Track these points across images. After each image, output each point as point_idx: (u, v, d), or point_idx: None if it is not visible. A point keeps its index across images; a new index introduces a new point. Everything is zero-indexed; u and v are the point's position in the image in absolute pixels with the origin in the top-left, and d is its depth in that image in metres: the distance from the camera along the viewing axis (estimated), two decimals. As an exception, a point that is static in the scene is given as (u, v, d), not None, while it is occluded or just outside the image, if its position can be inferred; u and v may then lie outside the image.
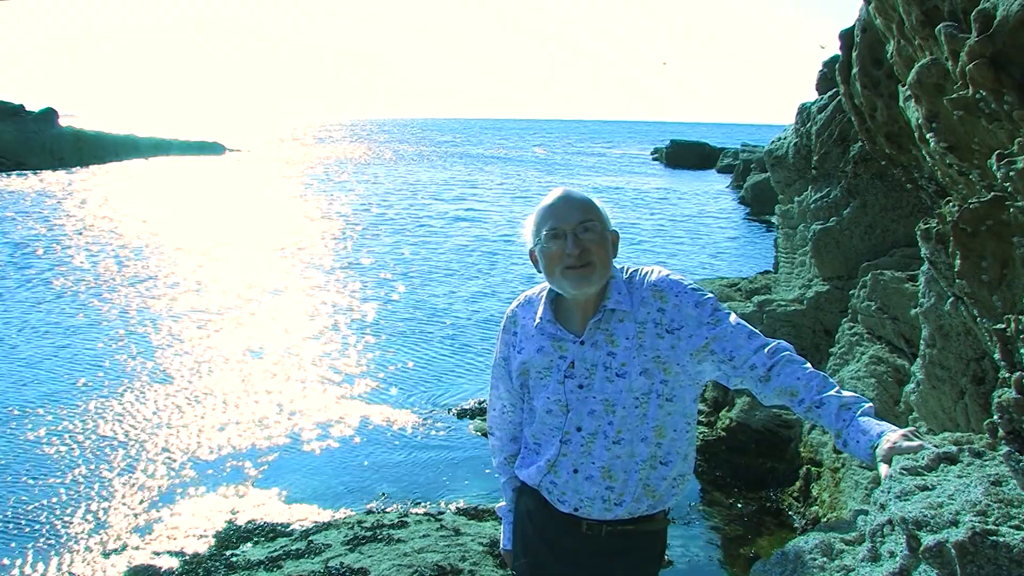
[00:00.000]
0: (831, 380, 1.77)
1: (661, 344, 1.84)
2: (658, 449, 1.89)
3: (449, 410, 7.39)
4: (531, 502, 2.05)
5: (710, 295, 1.88)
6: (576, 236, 1.84)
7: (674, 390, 1.88)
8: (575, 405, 1.91)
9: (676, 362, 1.85)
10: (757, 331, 1.87)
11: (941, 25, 2.35)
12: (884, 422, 1.66)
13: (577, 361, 1.90)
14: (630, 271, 1.95)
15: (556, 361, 1.93)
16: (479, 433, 6.76)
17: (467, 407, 7.42)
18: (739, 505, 5.49)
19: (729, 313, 1.87)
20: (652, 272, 1.93)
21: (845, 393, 1.72)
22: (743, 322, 1.87)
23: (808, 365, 1.79)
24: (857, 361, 5.14)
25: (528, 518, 2.07)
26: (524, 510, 2.09)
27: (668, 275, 1.91)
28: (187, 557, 4.71)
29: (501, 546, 2.27)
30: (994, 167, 2.07)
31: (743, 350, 1.80)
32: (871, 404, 1.72)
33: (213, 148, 47.14)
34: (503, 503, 2.22)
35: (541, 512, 2.01)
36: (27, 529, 5.13)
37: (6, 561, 4.76)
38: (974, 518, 1.28)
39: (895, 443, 1.60)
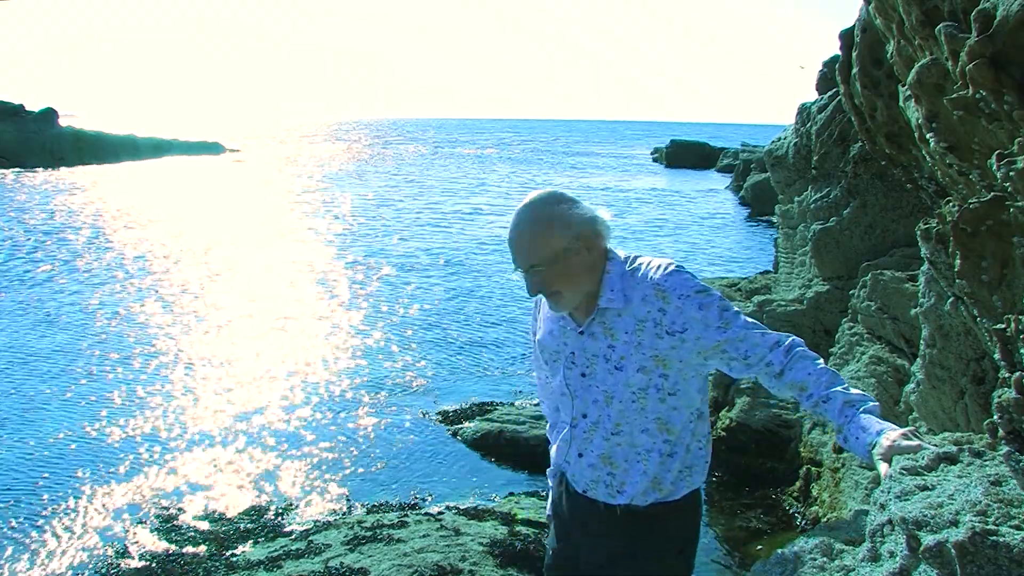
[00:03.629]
0: (840, 377, 1.78)
1: (660, 344, 1.84)
2: (662, 441, 1.91)
3: (450, 410, 7.38)
4: (563, 477, 2.13)
5: (715, 294, 1.85)
6: (530, 276, 1.85)
7: (677, 384, 1.88)
8: (580, 393, 1.95)
9: (678, 359, 1.85)
10: (763, 325, 1.86)
11: (941, 25, 2.35)
12: (886, 421, 1.66)
13: (577, 351, 1.93)
14: (636, 262, 1.90)
15: (561, 347, 1.97)
16: (480, 433, 6.75)
17: (468, 407, 7.41)
18: (739, 505, 5.49)
19: (738, 313, 1.85)
20: (659, 268, 1.86)
21: (853, 391, 1.73)
22: (749, 319, 1.86)
23: (820, 361, 1.80)
24: (857, 361, 5.14)
25: (560, 492, 2.15)
26: (557, 483, 2.18)
27: (673, 272, 1.85)
28: (187, 557, 4.71)
29: (546, 512, 2.32)
30: (994, 167, 2.07)
31: (759, 349, 1.81)
32: (876, 403, 1.72)
33: (213, 148, 47.17)
34: (552, 468, 2.28)
35: (568, 488, 2.09)
36: (24, 527, 5.12)
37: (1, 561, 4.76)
38: (974, 518, 1.28)
39: (894, 442, 1.60)
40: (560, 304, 1.88)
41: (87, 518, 5.30)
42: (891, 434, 1.62)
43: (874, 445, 1.63)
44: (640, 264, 1.89)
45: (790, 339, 1.83)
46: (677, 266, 1.87)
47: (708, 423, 2.02)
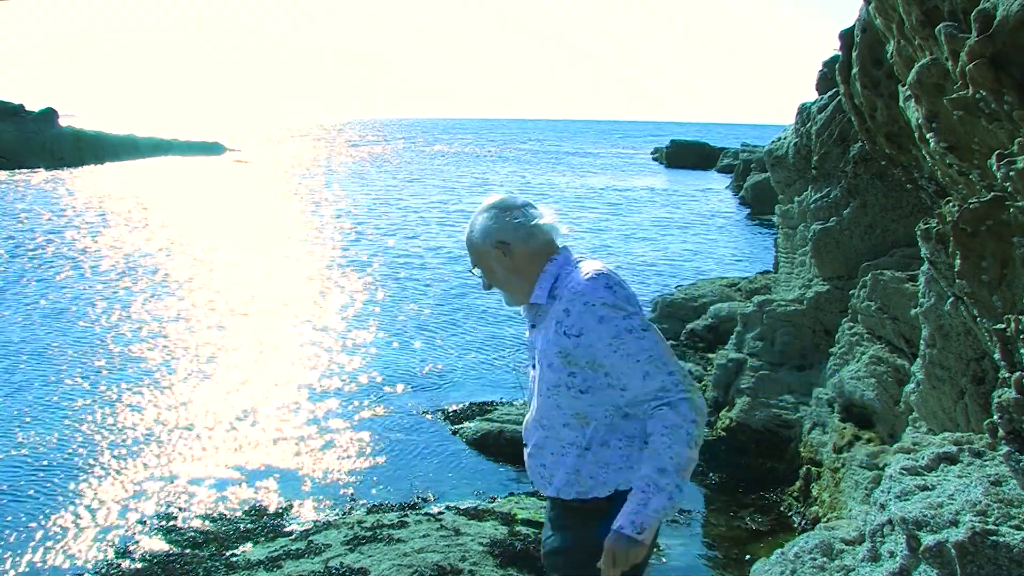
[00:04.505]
0: (677, 446, 1.79)
1: (565, 342, 1.90)
2: (580, 435, 1.96)
3: (451, 409, 7.38)
4: None
5: (622, 312, 1.84)
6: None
7: (587, 383, 1.91)
8: (531, 384, 2.10)
9: (582, 361, 1.89)
10: (659, 364, 1.83)
11: (941, 25, 2.36)
12: (645, 512, 1.79)
13: (530, 344, 2.09)
14: (577, 265, 1.99)
15: (528, 340, 2.13)
16: (480, 433, 6.75)
17: (468, 407, 7.41)
18: (739, 505, 5.49)
19: (638, 338, 1.82)
20: (583, 272, 1.93)
21: (657, 470, 1.79)
22: (647, 351, 1.83)
23: (670, 423, 1.81)
24: (857, 361, 5.14)
25: None
26: None
27: (591, 279, 1.89)
28: (187, 557, 4.71)
29: None
30: (994, 167, 2.08)
31: (636, 387, 1.84)
32: (660, 496, 1.79)
33: (213, 148, 47.15)
34: None
35: None
36: (24, 526, 5.13)
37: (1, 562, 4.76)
38: (974, 518, 1.28)
39: (617, 543, 1.80)
40: (505, 300, 2.10)
41: (87, 518, 5.29)
42: (616, 539, 1.80)
43: (616, 531, 1.80)
44: (578, 267, 1.97)
45: (665, 395, 1.82)
46: (600, 274, 1.90)
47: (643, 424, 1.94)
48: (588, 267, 1.94)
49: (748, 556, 4.78)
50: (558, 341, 1.90)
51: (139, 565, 4.66)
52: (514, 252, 1.99)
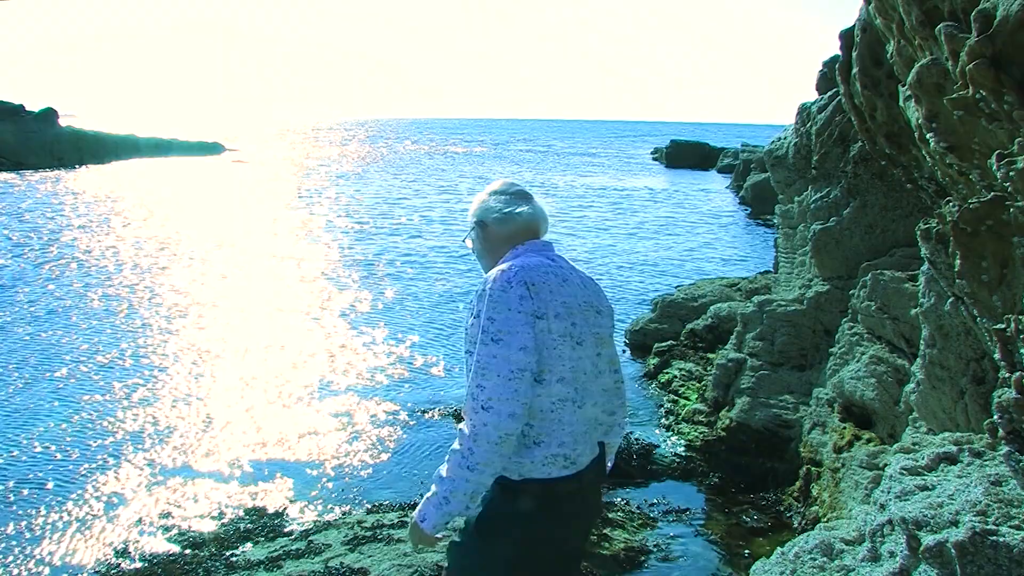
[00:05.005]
0: (451, 464, 1.90)
1: (467, 320, 2.01)
2: None
3: (451, 408, 7.38)
4: None
5: (495, 315, 1.89)
6: None
7: (470, 365, 1.98)
8: None
9: (472, 342, 1.97)
10: (480, 372, 1.88)
11: (941, 25, 2.36)
12: (427, 505, 1.93)
13: None
14: (531, 257, 2.09)
15: None
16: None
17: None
18: (739, 505, 5.49)
19: (483, 343, 1.88)
20: (510, 262, 2.04)
21: (438, 476, 1.92)
22: (480, 355, 1.88)
23: (454, 446, 1.91)
24: (857, 361, 5.14)
25: None
26: None
27: (504, 269, 1.97)
28: (187, 557, 4.71)
29: None
30: (994, 167, 2.08)
31: (470, 380, 1.93)
32: (434, 500, 1.92)
33: (213, 148, 47.17)
34: None
35: None
36: (24, 527, 5.13)
37: (2, 561, 4.76)
38: (974, 518, 1.28)
39: (411, 528, 1.99)
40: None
41: (87, 518, 5.29)
42: (413, 525, 1.97)
43: (416, 520, 1.95)
44: (520, 259, 2.06)
45: (464, 419, 1.90)
46: (512, 268, 1.97)
47: (538, 424, 1.95)
48: (523, 261, 2.01)
49: (748, 556, 4.78)
50: (466, 319, 2.02)
51: (139, 565, 4.66)
52: (489, 232, 2.16)
